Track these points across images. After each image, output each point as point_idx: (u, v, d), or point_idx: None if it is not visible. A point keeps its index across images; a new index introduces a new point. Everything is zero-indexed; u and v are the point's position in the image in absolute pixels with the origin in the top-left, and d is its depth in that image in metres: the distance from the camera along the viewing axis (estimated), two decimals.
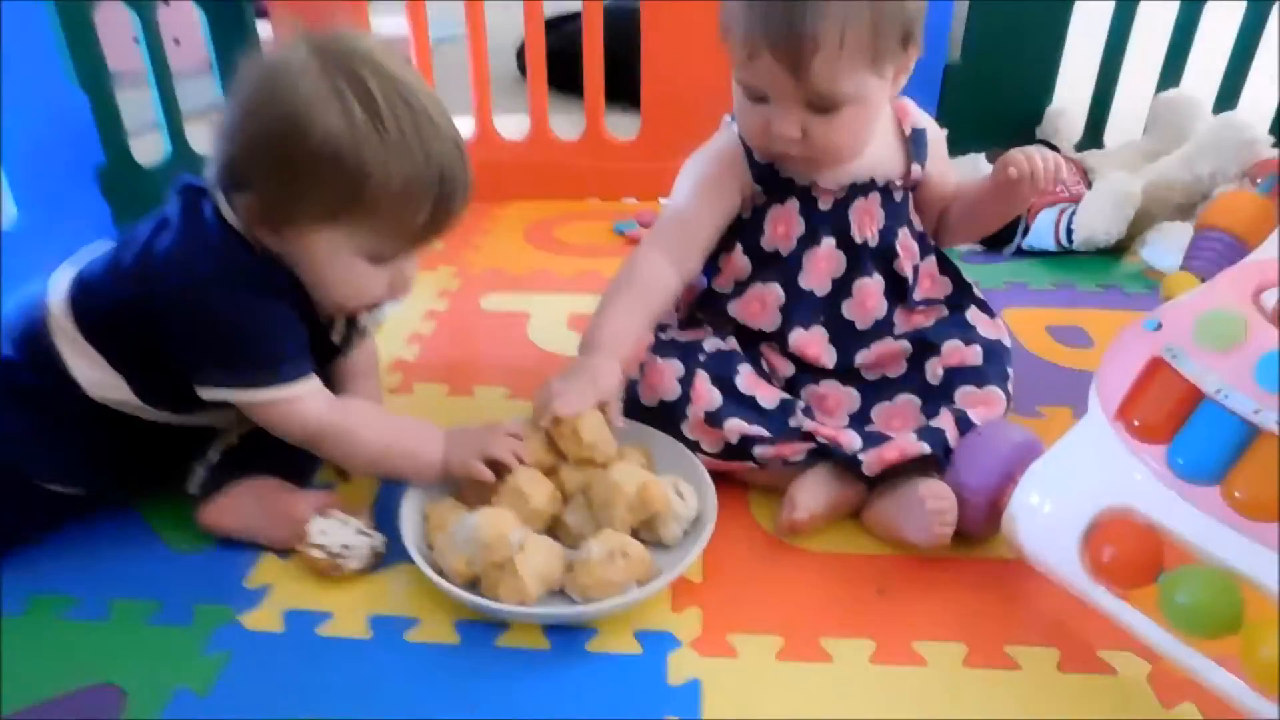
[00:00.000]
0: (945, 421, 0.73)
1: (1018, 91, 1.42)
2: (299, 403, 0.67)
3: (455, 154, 0.65)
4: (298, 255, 0.66)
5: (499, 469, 0.70)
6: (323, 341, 0.73)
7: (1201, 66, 1.39)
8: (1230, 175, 1.16)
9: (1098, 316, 1.09)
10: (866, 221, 0.79)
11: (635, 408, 0.77)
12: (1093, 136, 1.43)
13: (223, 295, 0.64)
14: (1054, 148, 1.39)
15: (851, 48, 0.67)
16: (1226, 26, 1.35)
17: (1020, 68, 1.41)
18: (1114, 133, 1.43)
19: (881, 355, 0.80)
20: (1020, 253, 1.26)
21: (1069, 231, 1.21)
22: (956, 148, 1.40)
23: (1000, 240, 1.25)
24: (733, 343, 0.79)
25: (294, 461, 0.77)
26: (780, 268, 0.79)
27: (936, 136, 0.83)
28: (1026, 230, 1.24)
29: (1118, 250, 1.23)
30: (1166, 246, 1.16)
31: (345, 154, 0.61)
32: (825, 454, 0.73)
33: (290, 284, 0.67)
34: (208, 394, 0.66)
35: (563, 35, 1.71)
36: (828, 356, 0.80)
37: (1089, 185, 1.25)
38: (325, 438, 0.69)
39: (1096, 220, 1.19)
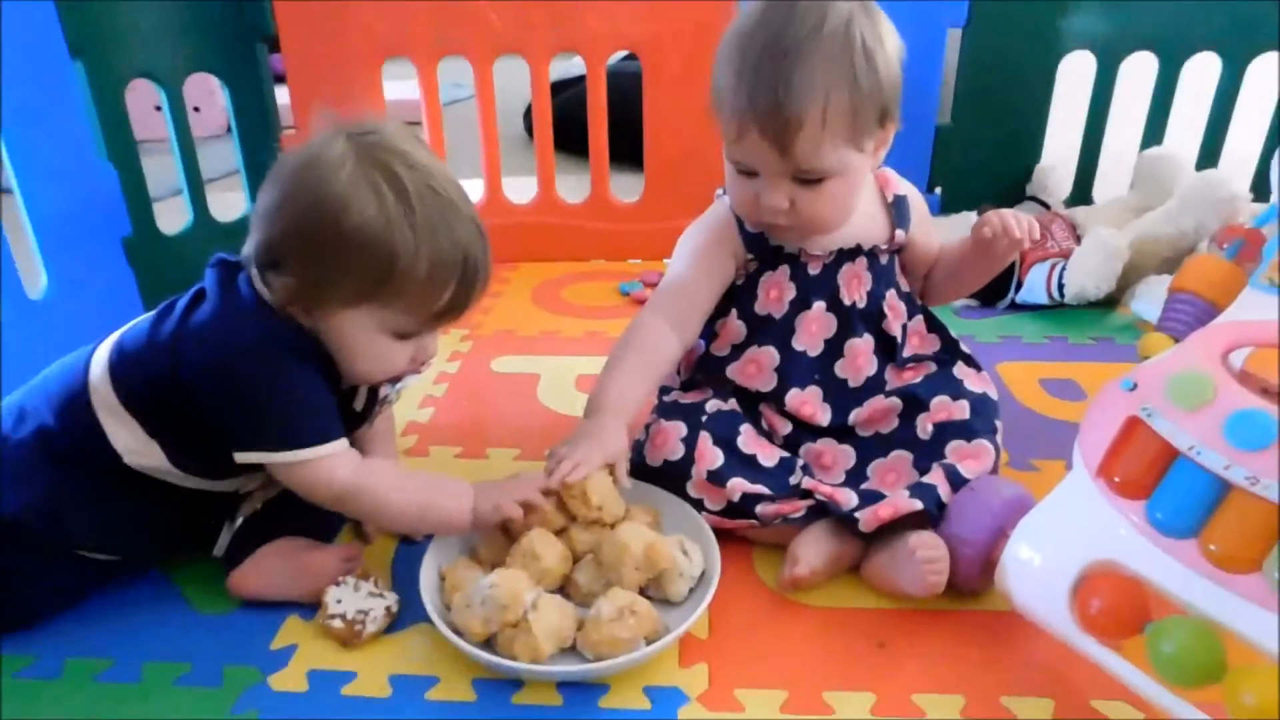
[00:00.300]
0: (937, 477, 0.76)
1: (1008, 150, 1.47)
2: (329, 462, 0.70)
3: (477, 239, 0.70)
4: (327, 331, 0.70)
5: (513, 530, 0.73)
6: (346, 410, 0.77)
7: (1186, 123, 1.44)
8: (1212, 230, 1.20)
9: (1090, 369, 1.12)
10: (855, 285, 0.83)
11: (642, 468, 0.80)
12: (1081, 192, 1.47)
13: (258, 362, 0.68)
14: (1044, 204, 1.45)
15: (833, 126, 0.72)
16: (1208, 84, 1.41)
17: (1009, 127, 1.46)
18: (1103, 188, 1.48)
19: (874, 412, 0.83)
20: (1014, 307, 1.29)
21: (1060, 286, 1.25)
22: (950, 206, 1.47)
23: (994, 295, 1.29)
24: (733, 403, 0.83)
25: (316, 524, 0.81)
26: (774, 331, 0.83)
27: (918, 202, 0.87)
28: (1020, 285, 1.29)
29: (1108, 303, 1.27)
30: (1155, 299, 1.20)
31: (378, 241, 0.66)
32: (824, 511, 0.76)
33: (318, 353, 0.71)
34: (243, 457, 0.69)
35: (569, 98, 1.77)
36: (823, 415, 0.83)
37: (1078, 240, 1.29)
38: (354, 497, 0.71)
39: (1086, 275, 1.22)
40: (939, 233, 0.91)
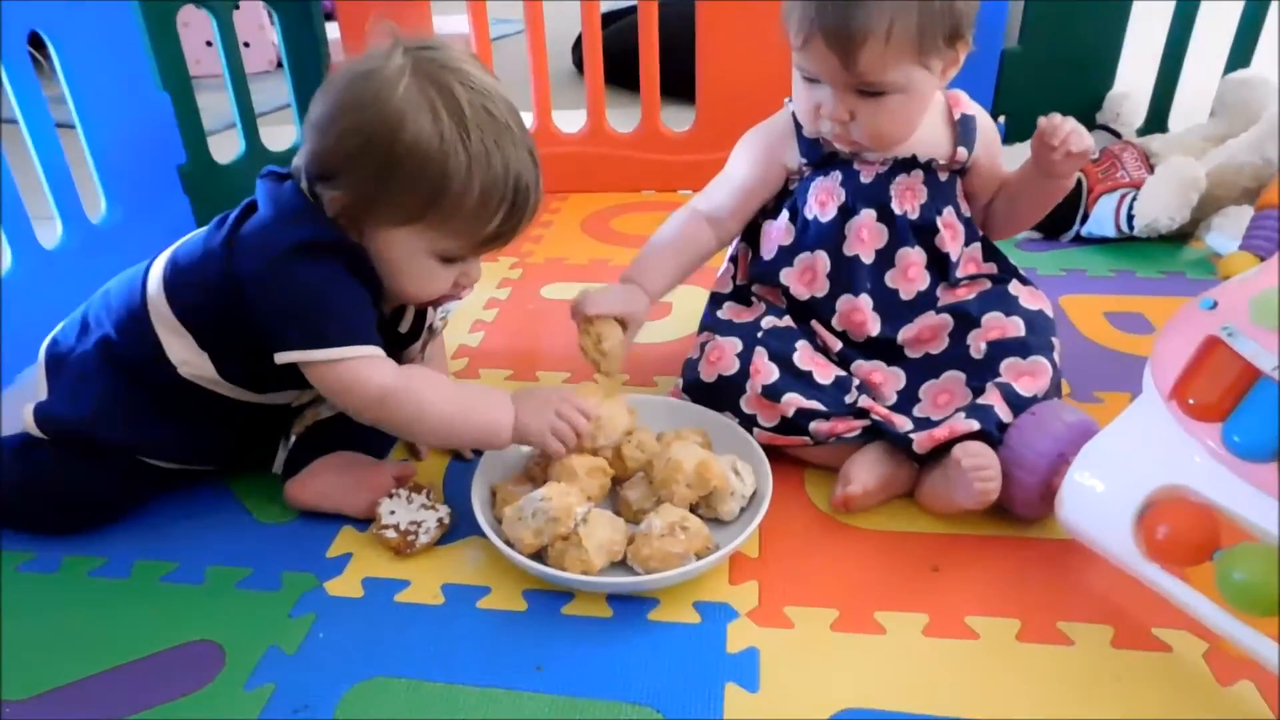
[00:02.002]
0: (993, 398, 0.74)
1: (1078, 76, 1.40)
2: (366, 363, 0.68)
3: (530, 165, 0.69)
4: (373, 247, 0.70)
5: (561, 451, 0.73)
6: (391, 332, 0.77)
7: (1274, 47, 1.35)
8: None
9: (1159, 304, 1.08)
10: (908, 196, 0.81)
11: (696, 384, 0.81)
12: (1156, 120, 1.40)
13: (300, 261, 0.67)
14: (1115, 133, 1.38)
15: (898, 42, 0.70)
16: None
17: (1080, 52, 1.39)
18: (1178, 117, 1.40)
19: (924, 329, 0.81)
20: (1079, 240, 1.25)
21: (1130, 217, 1.19)
22: (1014, 135, 1.41)
23: (1058, 228, 1.25)
24: (788, 320, 0.82)
25: (370, 441, 0.81)
26: (823, 236, 0.82)
27: (987, 126, 0.84)
28: (1086, 217, 1.23)
29: (1181, 237, 1.22)
30: (1233, 232, 1.14)
31: (432, 160, 0.65)
32: (878, 433, 0.75)
33: (363, 265, 0.70)
34: (282, 358, 0.68)
35: (618, 29, 1.73)
36: (873, 324, 0.82)
37: (1151, 170, 1.23)
38: (391, 401, 0.68)
39: (1158, 205, 1.17)
40: (1007, 166, 0.86)
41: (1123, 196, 1.21)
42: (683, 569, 0.66)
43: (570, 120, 1.47)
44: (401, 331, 0.80)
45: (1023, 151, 1.31)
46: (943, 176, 0.82)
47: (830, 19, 0.70)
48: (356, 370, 0.68)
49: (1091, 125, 1.40)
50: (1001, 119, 1.42)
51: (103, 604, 0.70)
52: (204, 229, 0.74)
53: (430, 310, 0.82)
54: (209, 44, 1.34)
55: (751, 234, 0.87)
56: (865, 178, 0.80)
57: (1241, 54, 1.34)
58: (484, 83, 0.68)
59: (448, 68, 0.67)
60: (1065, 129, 0.75)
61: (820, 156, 0.82)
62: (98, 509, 0.76)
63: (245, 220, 0.71)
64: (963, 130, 0.82)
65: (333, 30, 1.43)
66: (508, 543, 0.69)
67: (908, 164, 0.80)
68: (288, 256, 0.67)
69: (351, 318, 0.69)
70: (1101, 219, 1.22)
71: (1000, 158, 0.85)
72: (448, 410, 0.71)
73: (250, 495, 0.80)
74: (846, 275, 0.82)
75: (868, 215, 0.81)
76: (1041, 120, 0.76)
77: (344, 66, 0.68)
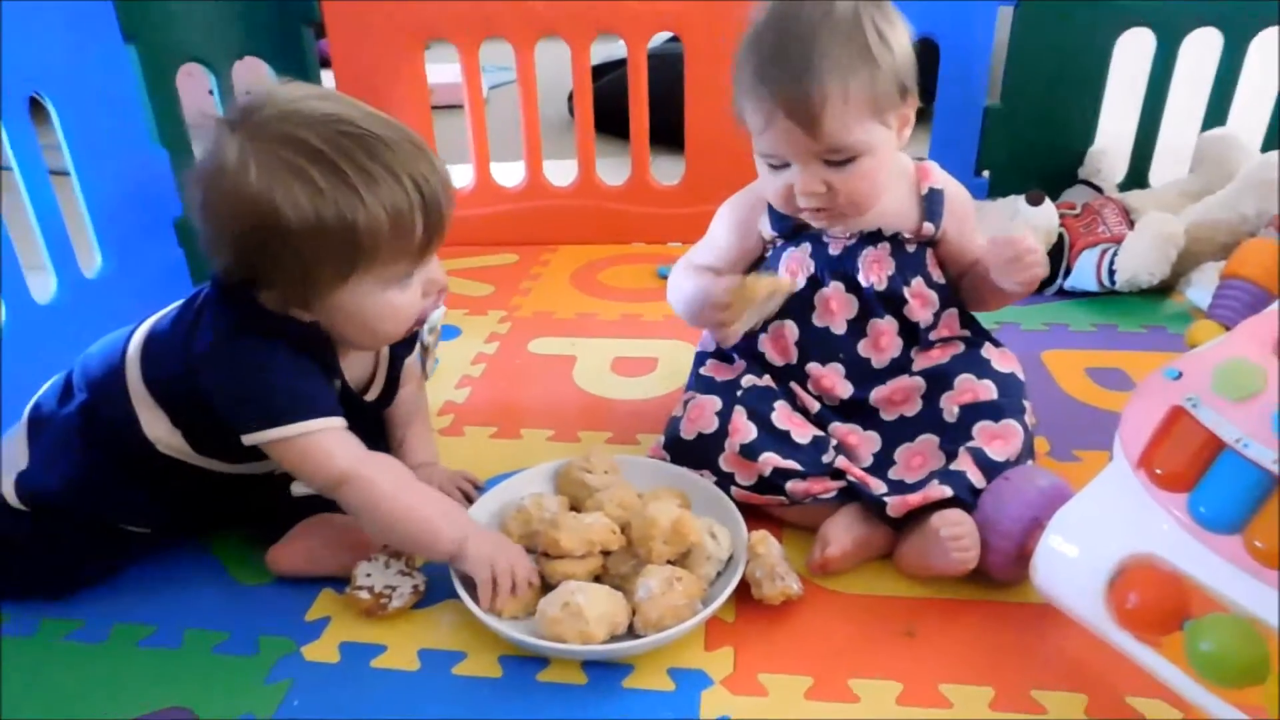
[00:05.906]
0: (965, 462, 0.75)
1: (1059, 132, 1.43)
2: (326, 437, 0.68)
3: (417, 157, 0.66)
4: (335, 316, 0.69)
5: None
6: (358, 403, 0.77)
7: (1250, 103, 1.38)
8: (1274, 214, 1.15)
9: (1139, 358, 1.09)
10: (875, 268, 0.82)
11: (676, 441, 0.82)
12: (1136, 176, 1.42)
13: (243, 338, 0.67)
14: (1096, 188, 1.40)
15: (856, 100, 0.72)
16: (1273, 61, 1.35)
17: (1061, 108, 1.41)
18: (1160, 172, 1.42)
19: (895, 391, 0.82)
20: (1062, 294, 1.26)
21: (1111, 272, 1.21)
22: (996, 190, 1.43)
23: (1043, 282, 1.26)
24: (768, 380, 0.84)
25: None
26: (793, 306, 0.83)
27: (959, 199, 0.85)
28: (1068, 271, 1.25)
29: (1162, 290, 1.23)
30: (1211, 286, 1.15)
31: (327, 221, 0.63)
32: (854, 494, 0.76)
33: (314, 342, 0.70)
34: (247, 439, 0.68)
35: (612, 80, 1.77)
36: (842, 388, 0.83)
37: (1131, 225, 1.25)
38: (350, 482, 0.68)
39: (1139, 260, 1.18)
40: (981, 238, 0.86)
41: (1104, 252, 1.22)
42: (695, 619, 0.67)
43: (564, 169, 1.49)
44: (369, 400, 0.79)
45: (1004, 206, 1.34)
46: (910, 248, 0.83)
47: (789, 92, 0.72)
48: (317, 446, 0.68)
49: (1073, 180, 1.42)
50: (985, 174, 1.44)
51: (78, 668, 0.70)
52: (176, 309, 0.75)
53: (404, 363, 0.83)
54: (211, 92, 1.37)
55: None
56: (834, 250, 0.82)
57: (1217, 112, 1.37)
58: (325, 109, 0.65)
59: (283, 118, 0.64)
60: (1016, 251, 0.76)
61: (790, 228, 0.84)
62: (77, 575, 0.76)
63: (206, 309, 0.71)
64: (929, 204, 0.83)
65: (328, 78, 1.46)
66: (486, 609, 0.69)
67: (874, 237, 0.82)
68: (229, 336, 0.67)
69: (301, 390, 0.68)
70: (1083, 273, 1.24)
71: (972, 233, 0.85)
72: (401, 505, 0.69)
73: (230, 555, 0.81)
74: (816, 344, 0.83)
75: (836, 287, 0.83)
76: (1009, 237, 0.77)
77: (193, 175, 0.66)
